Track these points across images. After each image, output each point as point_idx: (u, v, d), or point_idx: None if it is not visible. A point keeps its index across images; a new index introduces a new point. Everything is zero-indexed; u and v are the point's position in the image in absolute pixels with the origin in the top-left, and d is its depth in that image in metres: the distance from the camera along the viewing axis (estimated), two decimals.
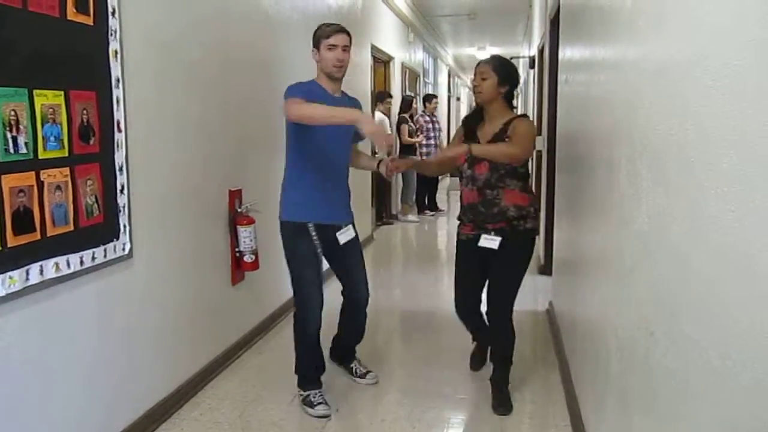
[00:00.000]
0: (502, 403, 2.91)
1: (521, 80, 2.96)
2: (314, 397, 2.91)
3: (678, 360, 1.32)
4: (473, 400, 3.02)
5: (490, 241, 2.82)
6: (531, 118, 2.89)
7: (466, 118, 3.04)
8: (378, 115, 7.43)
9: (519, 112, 3.05)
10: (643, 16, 1.76)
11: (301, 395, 2.96)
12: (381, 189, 7.89)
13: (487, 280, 2.96)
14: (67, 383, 2.22)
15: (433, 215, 8.88)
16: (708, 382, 1.15)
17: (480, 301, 3.09)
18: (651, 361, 1.52)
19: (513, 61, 3.18)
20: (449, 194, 11.25)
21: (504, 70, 2.81)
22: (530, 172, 2.90)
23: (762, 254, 0.95)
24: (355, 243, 3.05)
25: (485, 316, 3.06)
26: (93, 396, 2.36)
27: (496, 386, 2.97)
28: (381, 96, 7.58)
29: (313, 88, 2.78)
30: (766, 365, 0.93)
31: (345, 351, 3.31)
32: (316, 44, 2.81)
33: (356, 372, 3.26)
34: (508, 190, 2.78)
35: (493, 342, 3.10)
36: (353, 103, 2.98)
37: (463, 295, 3.09)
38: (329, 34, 2.78)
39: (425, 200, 9.01)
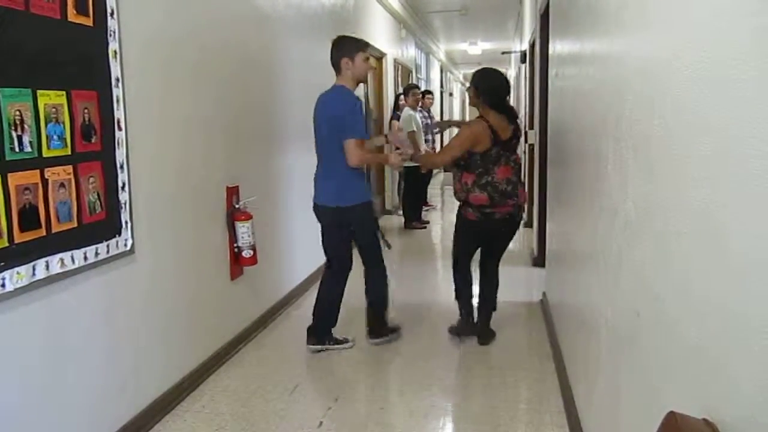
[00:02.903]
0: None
1: (496, 89, 3.50)
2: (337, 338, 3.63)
3: (661, 339, 1.40)
4: (468, 388, 3.09)
5: None
6: (479, 122, 3.40)
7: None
8: (406, 113, 7.49)
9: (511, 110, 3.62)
10: (628, 10, 1.83)
11: (331, 341, 3.59)
12: (410, 190, 7.73)
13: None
14: (73, 376, 2.28)
15: (426, 210, 8.92)
16: (686, 358, 1.22)
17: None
18: (637, 341, 1.60)
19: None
20: (443, 189, 11.32)
21: (476, 82, 3.49)
22: (482, 164, 3.38)
23: (734, 237, 1.02)
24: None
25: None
26: (98, 388, 2.42)
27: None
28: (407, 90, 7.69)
29: (359, 99, 3.37)
30: (733, 340, 1.00)
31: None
32: (352, 54, 3.33)
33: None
34: (455, 180, 3.52)
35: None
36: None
37: None
38: (365, 47, 3.42)
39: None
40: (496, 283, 3.73)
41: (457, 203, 3.57)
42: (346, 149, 3.26)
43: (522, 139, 4.38)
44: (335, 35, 3.54)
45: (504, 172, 3.35)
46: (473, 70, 3.62)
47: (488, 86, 3.46)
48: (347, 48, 3.36)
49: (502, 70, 3.45)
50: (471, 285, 3.74)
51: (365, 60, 3.40)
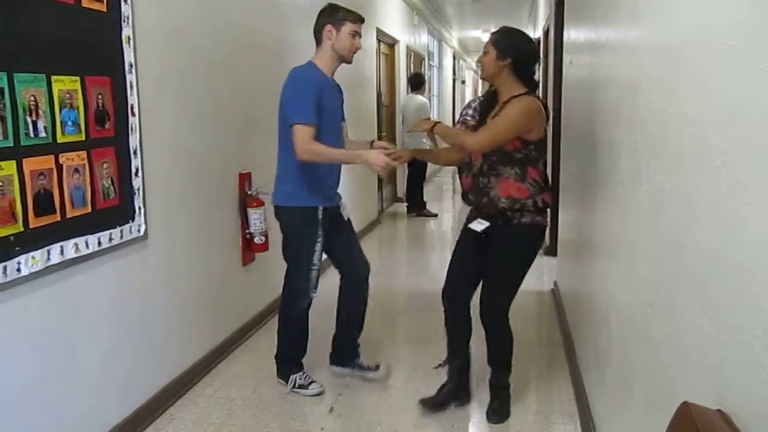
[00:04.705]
0: (496, 411, 2.73)
1: (531, 50, 2.62)
2: (302, 379, 2.95)
3: (674, 327, 1.39)
4: (477, 376, 3.09)
5: (477, 224, 2.63)
6: (531, 99, 2.52)
7: (481, 99, 2.82)
8: (420, 98, 7.46)
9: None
10: None
11: (292, 382, 2.94)
12: (414, 179, 7.74)
13: (481, 273, 2.68)
14: (88, 359, 2.31)
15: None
16: (701, 349, 1.22)
17: (468, 290, 2.76)
18: (650, 330, 1.59)
19: None
20: (455, 177, 11.29)
21: (504, 43, 2.53)
22: (539, 155, 2.56)
23: (750, 226, 1.01)
24: (350, 221, 3.07)
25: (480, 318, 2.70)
26: (112, 372, 2.44)
27: (492, 391, 2.78)
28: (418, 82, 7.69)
29: (317, 80, 2.74)
30: (748, 331, 0.99)
31: (348, 347, 3.11)
32: (338, 23, 2.74)
33: (366, 366, 3.11)
34: (501, 180, 2.51)
35: (488, 344, 2.75)
36: (338, 88, 2.94)
37: (450, 276, 2.80)
38: (356, 20, 2.77)
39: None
40: None
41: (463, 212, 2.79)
42: (293, 137, 2.66)
43: None
44: None
45: None
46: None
47: (517, 48, 2.55)
48: (335, 14, 2.76)
49: None
50: None
51: (353, 35, 2.75)
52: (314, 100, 2.66)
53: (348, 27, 2.74)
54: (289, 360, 3.01)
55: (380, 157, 2.64)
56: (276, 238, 3.67)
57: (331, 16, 2.76)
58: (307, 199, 2.80)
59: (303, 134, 2.63)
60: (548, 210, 2.64)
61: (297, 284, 2.90)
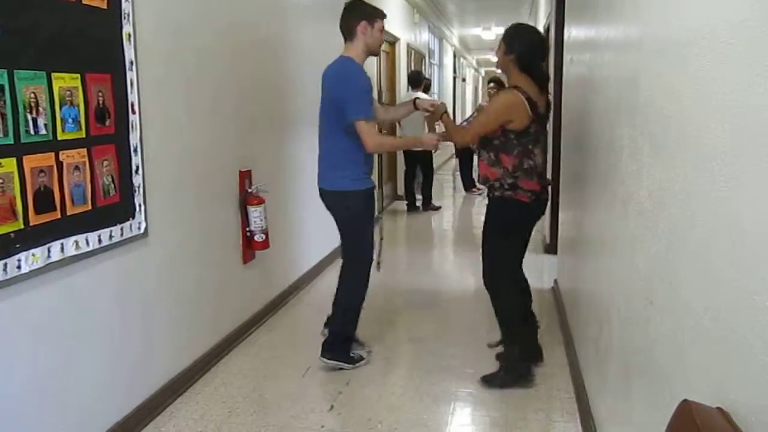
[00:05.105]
0: (487, 376, 3.02)
1: (534, 47, 2.85)
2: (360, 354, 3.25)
3: (675, 325, 1.39)
4: (479, 373, 3.09)
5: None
6: (513, 92, 2.76)
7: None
8: (421, 96, 7.51)
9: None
10: None
11: (355, 359, 3.19)
12: (426, 176, 7.74)
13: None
14: (88, 357, 2.31)
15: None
16: (700, 347, 1.22)
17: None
18: (650, 328, 1.59)
19: None
20: (455, 176, 11.28)
21: (510, 38, 2.84)
22: (520, 144, 2.79)
23: (751, 224, 1.01)
24: None
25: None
26: (113, 369, 2.45)
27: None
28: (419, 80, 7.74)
29: (364, 75, 3.02)
30: (751, 325, 0.99)
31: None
32: (371, 20, 3.01)
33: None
34: (481, 161, 2.93)
35: None
36: None
37: None
38: (384, 17, 3.09)
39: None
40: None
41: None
42: (359, 132, 2.93)
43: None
44: None
45: (542, 154, 2.92)
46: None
47: (522, 43, 2.81)
48: (368, 12, 3.04)
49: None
50: (530, 296, 3.22)
51: (381, 31, 3.08)
52: (368, 95, 2.99)
53: (379, 24, 3.04)
54: (351, 339, 3.21)
55: (433, 138, 3.25)
56: (276, 236, 3.69)
57: (364, 13, 3.03)
58: (368, 182, 3.11)
59: (369, 129, 2.96)
60: (528, 190, 2.82)
61: (366, 258, 3.14)
